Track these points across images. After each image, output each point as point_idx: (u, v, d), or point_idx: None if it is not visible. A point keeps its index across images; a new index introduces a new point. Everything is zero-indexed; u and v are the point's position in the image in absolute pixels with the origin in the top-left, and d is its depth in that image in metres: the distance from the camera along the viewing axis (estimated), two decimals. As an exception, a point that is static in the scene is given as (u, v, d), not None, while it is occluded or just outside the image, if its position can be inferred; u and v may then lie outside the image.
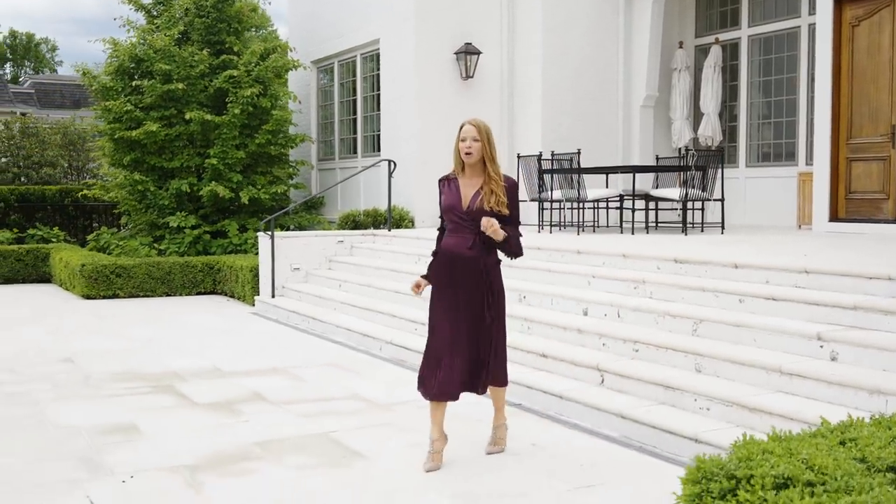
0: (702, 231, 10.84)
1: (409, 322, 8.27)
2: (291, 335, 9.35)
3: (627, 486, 4.45)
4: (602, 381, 5.93)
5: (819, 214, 10.37)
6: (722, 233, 10.47)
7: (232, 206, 14.26)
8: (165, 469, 4.71)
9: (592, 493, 4.35)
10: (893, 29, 9.72)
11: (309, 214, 14.78)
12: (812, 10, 11.50)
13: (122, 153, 14.08)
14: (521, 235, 4.78)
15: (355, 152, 14.86)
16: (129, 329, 9.64)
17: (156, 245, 13.95)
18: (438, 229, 4.93)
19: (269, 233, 11.13)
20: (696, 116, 13.45)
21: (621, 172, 11.50)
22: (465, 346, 4.66)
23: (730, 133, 13.20)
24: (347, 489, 4.42)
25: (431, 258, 4.93)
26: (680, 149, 13.50)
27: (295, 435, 5.40)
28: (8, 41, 62.37)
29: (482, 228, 4.54)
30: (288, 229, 13.77)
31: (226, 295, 12.62)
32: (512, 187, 4.69)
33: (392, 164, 11.95)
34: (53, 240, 16.09)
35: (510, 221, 4.67)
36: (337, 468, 4.77)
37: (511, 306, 7.66)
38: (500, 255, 4.81)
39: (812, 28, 11.49)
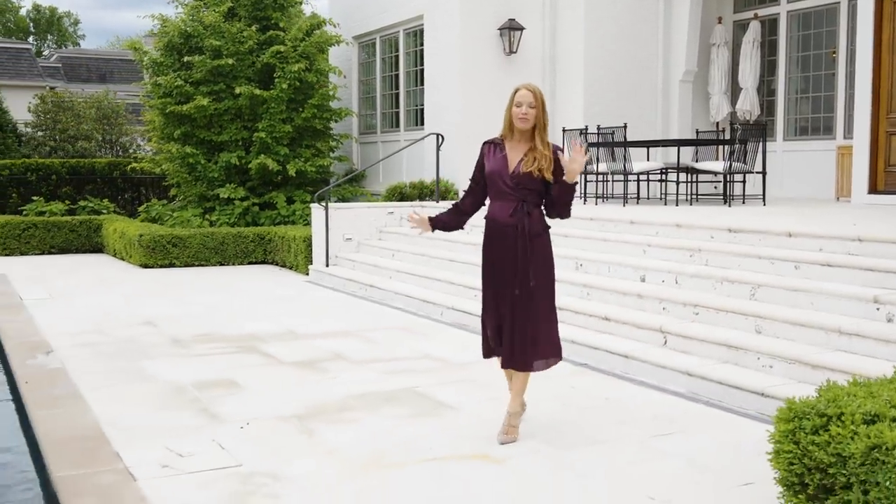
0: (743, 203, 11.15)
1: (468, 289, 8.67)
2: (351, 301, 9.78)
3: (702, 434, 4.86)
4: (665, 343, 6.32)
5: (858, 187, 10.67)
6: (764, 204, 10.79)
7: (278, 178, 14.67)
8: (275, 418, 5.17)
9: (670, 440, 4.76)
10: (935, 5, 9.95)
11: (351, 186, 15.18)
12: (852, -15, 11.71)
13: (173, 127, 14.51)
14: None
15: (397, 126, 15.22)
16: (194, 295, 10.11)
17: (206, 216, 14.42)
18: (460, 199, 4.91)
19: (324, 204, 11.54)
20: (735, 91, 13.69)
21: (666, 146, 11.83)
22: (500, 314, 4.72)
23: (767, 107, 13.45)
24: (445, 435, 4.85)
25: (445, 213, 4.93)
26: (718, 123, 13.79)
27: (383, 389, 5.83)
28: (31, 15, 62.86)
29: (572, 158, 4.53)
30: (330, 200, 14.16)
31: (276, 264, 13.07)
32: (556, 152, 4.73)
33: (440, 137, 12.30)
34: (104, 211, 16.58)
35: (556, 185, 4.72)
36: (430, 417, 5.21)
37: (568, 273, 8.07)
38: (550, 221, 4.84)
39: (851, 4, 11.70)
